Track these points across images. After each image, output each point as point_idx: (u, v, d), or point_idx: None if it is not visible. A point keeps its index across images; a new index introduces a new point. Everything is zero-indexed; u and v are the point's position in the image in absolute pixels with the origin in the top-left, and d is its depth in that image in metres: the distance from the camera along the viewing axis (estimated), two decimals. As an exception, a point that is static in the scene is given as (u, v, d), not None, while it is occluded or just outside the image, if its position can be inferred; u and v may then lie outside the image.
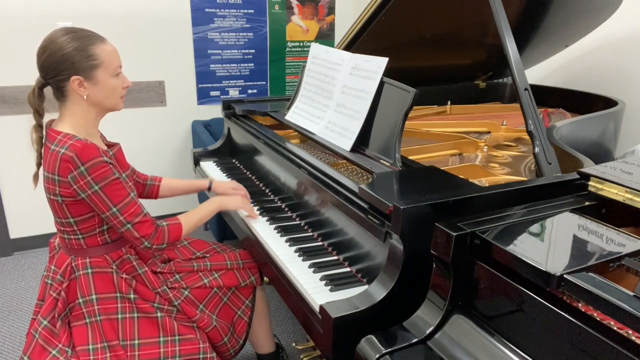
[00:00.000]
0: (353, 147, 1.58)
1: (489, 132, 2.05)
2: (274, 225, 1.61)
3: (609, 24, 2.15)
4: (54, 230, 1.43)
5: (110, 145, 1.47)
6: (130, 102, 2.96)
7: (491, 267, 0.93)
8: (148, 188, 1.73)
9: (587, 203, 1.10)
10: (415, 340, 0.99)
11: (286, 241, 1.50)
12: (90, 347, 1.31)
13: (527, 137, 1.59)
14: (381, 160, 1.47)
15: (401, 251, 1.10)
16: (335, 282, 1.28)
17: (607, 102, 2.05)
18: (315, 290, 1.25)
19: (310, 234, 1.56)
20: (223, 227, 2.69)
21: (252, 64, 3.31)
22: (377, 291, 1.12)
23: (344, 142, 1.60)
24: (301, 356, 1.71)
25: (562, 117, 2.15)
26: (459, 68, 2.44)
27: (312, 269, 1.35)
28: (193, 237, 1.76)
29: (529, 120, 1.39)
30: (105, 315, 1.35)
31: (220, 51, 3.18)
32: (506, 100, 2.62)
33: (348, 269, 1.36)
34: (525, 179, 1.51)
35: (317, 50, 1.88)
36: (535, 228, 0.99)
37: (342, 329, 1.08)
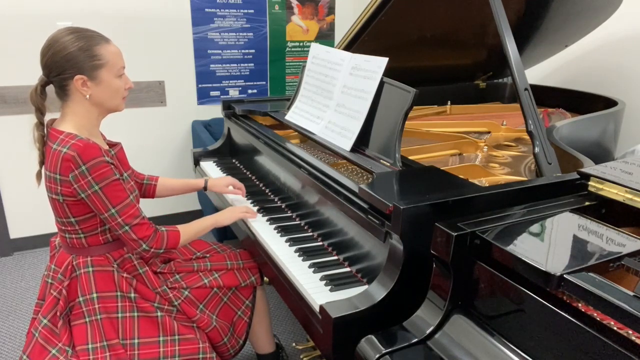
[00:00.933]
0: (353, 147, 1.58)
1: (489, 132, 2.05)
2: (274, 225, 1.61)
3: (609, 24, 2.15)
4: (54, 230, 1.43)
5: (112, 145, 1.47)
6: (130, 102, 2.95)
7: (491, 267, 0.93)
8: (145, 187, 1.73)
9: (587, 203, 1.10)
10: (415, 340, 0.99)
11: (286, 241, 1.50)
12: (90, 346, 1.31)
13: (527, 137, 1.59)
14: (381, 160, 1.47)
15: (401, 251, 1.10)
16: (335, 282, 1.28)
17: (607, 102, 2.05)
18: (315, 290, 1.25)
19: (310, 234, 1.56)
20: (223, 227, 2.68)
21: (252, 64, 3.31)
22: (377, 291, 1.12)
23: (344, 142, 1.60)
24: (301, 356, 1.71)
25: (562, 117, 2.15)
26: (459, 68, 2.44)
27: (312, 269, 1.35)
28: (194, 239, 1.76)
29: (529, 120, 1.39)
30: (105, 314, 1.35)
31: (220, 51, 3.18)
32: (506, 100, 2.62)
33: (348, 269, 1.36)
34: (525, 179, 1.51)
35: (317, 50, 1.88)
36: (535, 228, 0.99)
37: (342, 329, 1.08)
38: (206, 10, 3.06)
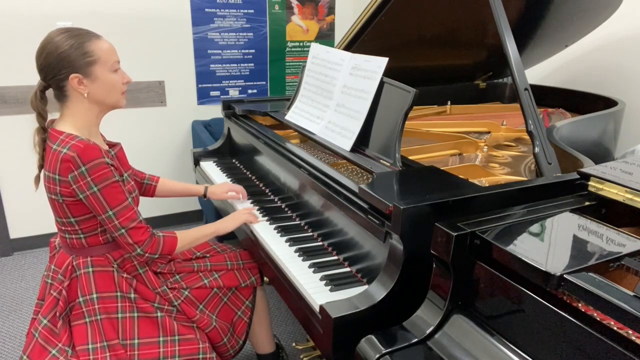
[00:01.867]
0: (353, 147, 1.58)
1: (489, 132, 2.05)
2: (274, 225, 1.61)
3: (609, 24, 2.15)
4: (54, 230, 1.43)
5: (112, 145, 1.47)
6: (130, 102, 2.95)
7: (491, 267, 0.93)
8: (145, 187, 1.73)
9: (587, 203, 1.10)
10: (415, 340, 0.99)
11: (286, 241, 1.50)
12: (90, 346, 1.31)
13: (527, 137, 1.59)
14: (381, 160, 1.47)
15: (401, 251, 1.10)
16: (335, 282, 1.28)
17: (607, 102, 2.05)
18: (315, 290, 1.25)
19: (310, 234, 1.56)
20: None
21: (252, 64, 3.31)
22: (377, 291, 1.12)
23: (344, 142, 1.60)
24: (301, 356, 1.71)
25: (562, 117, 2.15)
26: (459, 68, 2.44)
27: (312, 269, 1.35)
28: (191, 246, 1.76)
29: (529, 120, 1.39)
30: (105, 314, 1.34)
31: (220, 51, 3.17)
32: (506, 100, 2.62)
33: (348, 269, 1.36)
34: (525, 179, 1.51)
35: (317, 50, 1.88)
36: (535, 228, 0.99)
37: (342, 329, 1.08)
38: (206, 10, 3.06)
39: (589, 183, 1.12)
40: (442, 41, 2.11)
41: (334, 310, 1.08)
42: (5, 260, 2.91)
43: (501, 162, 1.70)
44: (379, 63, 1.56)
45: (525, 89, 1.41)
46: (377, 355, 0.97)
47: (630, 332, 0.72)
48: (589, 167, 1.17)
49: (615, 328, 0.74)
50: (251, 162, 2.12)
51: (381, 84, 1.54)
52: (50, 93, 1.35)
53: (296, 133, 1.95)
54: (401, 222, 1.07)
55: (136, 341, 1.36)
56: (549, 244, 0.93)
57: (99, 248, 1.39)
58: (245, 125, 2.09)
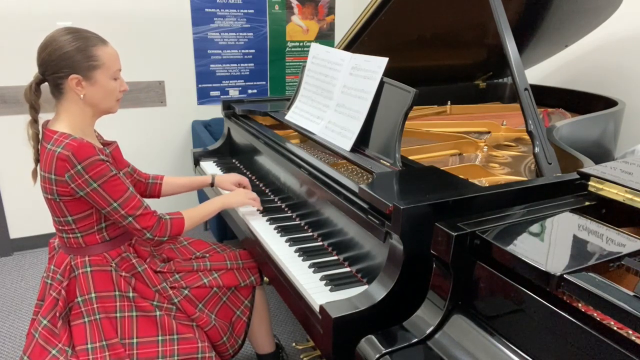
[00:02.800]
0: (353, 147, 1.57)
1: (489, 132, 2.05)
2: (274, 225, 1.61)
3: (609, 24, 2.15)
4: (54, 230, 1.43)
5: (107, 144, 1.47)
6: (130, 102, 2.96)
7: (491, 267, 0.93)
8: (150, 187, 1.73)
9: (587, 203, 1.10)
10: (415, 340, 0.99)
11: (286, 241, 1.50)
12: (89, 346, 1.31)
13: (527, 137, 1.59)
14: (381, 160, 1.47)
15: (401, 251, 1.10)
16: (335, 282, 1.28)
17: (607, 102, 2.05)
18: (315, 290, 1.25)
19: (310, 234, 1.56)
20: (223, 227, 2.69)
21: (252, 64, 3.31)
22: (377, 291, 1.11)
23: (344, 142, 1.60)
24: (301, 356, 1.71)
25: (562, 117, 2.15)
26: (459, 68, 2.44)
27: (312, 269, 1.35)
28: (193, 237, 1.76)
29: (529, 120, 1.39)
30: (104, 313, 1.35)
31: (220, 51, 3.18)
32: (506, 100, 2.62)
33: (348, 269, 1.36)
34: (525, 179, 1.50)
35: (317, 50, 1.88)
36: (535, 228, 0.99)
37: (342, 329, 1.08)
38: (206, 10, 3.06)
39: (589, 183, 1.12)
40: (442, 41, 2.11)
41: (334, 310, 1.08)
42: (5, 260, 2.91)
43: (501, 162, 1.70)
44: (379, 63, 1.56)
45: (525, 89, 1.41)
46: (377, 355, 0.97)
47: (630, 332, 0.72)
48: (589, 167, 1.17)
49: (615, 328, 0.73)
50: (251, 162, 2.12)
51: (381, 84, 1.54)
52: (45, 89, 1.35)
53: (296, 133, 1.95)
54: (401, 222, 1.07)
55: (135, 340, 1.36)
56: (549, 244, 0.93)
57: (97, 247, 1.39)
58: (245, 125, 2.10)
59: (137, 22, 2.89)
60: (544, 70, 2.58)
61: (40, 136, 1.36)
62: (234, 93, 3.32)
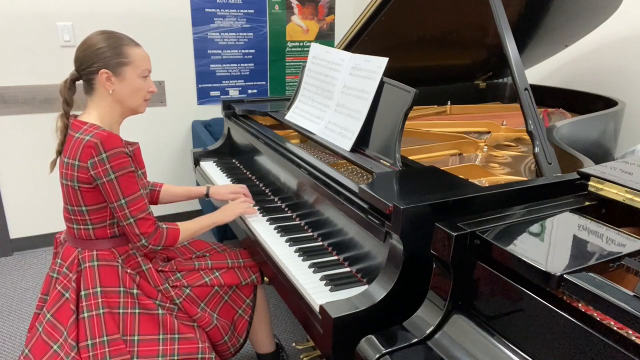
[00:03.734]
0: (353, 147, 1.58)
1: (489, 132, 2.05)
2: (274, 225, 1.61)
3: (609, 24, 2.15)
4: (54, 229, 1.44)
5: (130, 144, 1.48)
6: (130, 102, 2.95)
7: (491, 267, 0.93)
8: (149, 193, 1.73)
9: (587, 203, 1.10)
10: (415, 340, 0.99)
11: (286, 241, 1.50)
12: (89, 342, 1.32)
13: (527, 137, 1.59)
14: (381, 160, 1.47)
15: (401, 251, 1.10)
16: (335, 282, 1.28)
17: (607, 102, 2.05)
18: (315, 290, 1.25)
19: (310, 234, 1.56)
20: (223, 227, 2.67)
21: (252, 64, 3.31)
22: (377, 291, 1.12)
23: (344, 142, 1.60)
24: (301, 356, 1.71)
25: (562, 117, 2.15)
26: (459, 68, 2.44)
27: (312, 269, 1.35)
28: (193, 237, 1.76)
29: (529, 120, 1.39)
30: (107, 308, 1.35)
31: (220, 51, 3.17)
32: (506, 100, 2.62)
33: (348, 269, 1.36)
34: (525, 179, 1.51)
35: (317, 50, 1.88)
36: (535, 228, 0.99)
37: (342, 329, 1.08)
38: (206, 10, 3.06)
39: (589, 183, 1.12)
40: (442, 41, 2.11)
41: (334, 311, 1.08)
42: (5, 260, 2.91)
43: (501, 162, 1.70)
44: (379, 63, 1.56)
45: (525, 89, 1.41)
46: (377, 355, 0.97)
47: (630, 332, 0.72)
48: (589, 167, 1.17)
49: (615, 328, 0.74)
50: (251, 162, 2.12)
51: (381, 84, 1.54)
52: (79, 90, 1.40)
53: (296, 133, 1.95)
54: (401, 222, 1.07)
55: (136, 337, 1.36)
56: (549, 244, 0.93)
57: (106, 242, 1.41)
58: (245, 125, 2.10)
59: (137, 22, 2.89)
60: (544, 70, 2.58)
61: (68, 127, 1.40)
62: (234, 93, 3.32)
